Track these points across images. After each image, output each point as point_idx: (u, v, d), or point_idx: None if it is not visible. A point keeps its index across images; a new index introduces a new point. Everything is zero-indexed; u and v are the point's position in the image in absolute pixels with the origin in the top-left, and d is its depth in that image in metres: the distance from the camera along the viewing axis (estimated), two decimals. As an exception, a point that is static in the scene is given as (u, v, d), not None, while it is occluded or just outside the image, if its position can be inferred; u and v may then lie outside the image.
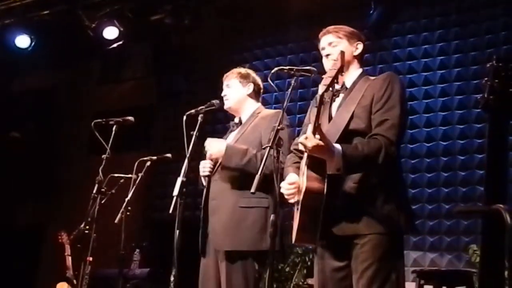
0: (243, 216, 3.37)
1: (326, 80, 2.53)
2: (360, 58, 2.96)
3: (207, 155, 3.53)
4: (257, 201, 3.34)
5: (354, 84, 2.86)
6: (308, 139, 2.50)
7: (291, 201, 2.81)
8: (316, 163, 2.64)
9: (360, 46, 2.94)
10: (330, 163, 2.57)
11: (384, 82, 2.75)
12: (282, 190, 2.78)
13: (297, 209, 2.75)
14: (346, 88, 2.86)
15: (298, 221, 2.68)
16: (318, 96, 2.54)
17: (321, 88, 2.53)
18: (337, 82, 2.59)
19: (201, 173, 3.60)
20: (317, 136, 2.49)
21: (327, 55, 2.91)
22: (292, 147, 3.09)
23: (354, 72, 2.91)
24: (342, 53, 2.57)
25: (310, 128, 2.54)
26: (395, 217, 2.65)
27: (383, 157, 2.58)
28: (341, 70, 2.54)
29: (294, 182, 2.78)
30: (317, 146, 2.49)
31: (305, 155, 2.73)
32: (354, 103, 2.75)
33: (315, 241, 2.70)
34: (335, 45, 2.90)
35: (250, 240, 3.33)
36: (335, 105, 2.84)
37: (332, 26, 2.97)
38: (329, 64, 2.87)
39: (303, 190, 2.63)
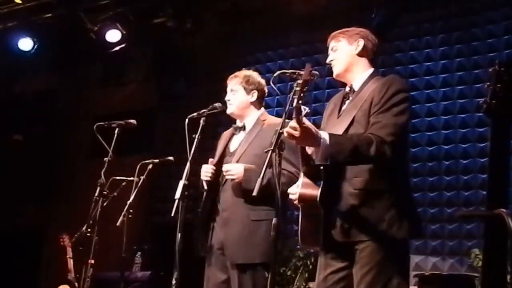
0: (255, 229, 3.37)
1: (296, 93, 2.45)
2: (366, 55, 2.85)
3: (229, 179, 3.46)
4: (266, 213, 3.32)
5: (363, 86, 2.78)
6: (294, 127, 2.44)
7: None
8: (311, 171, 2.66)
9: (361, 42, 2.83)
10: (316, 151, 2.51)
11: (384, 85, 2.69)
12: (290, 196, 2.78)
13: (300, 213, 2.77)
14: (354, 91, 2.80)
15: (300, 225, 2.72)
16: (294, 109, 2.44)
17: (294, 101, 2.45)
18: (303, 95, 2.44)
19: (203, 177, 3.60)
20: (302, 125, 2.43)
21: (331, 61, 2.88)
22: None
23: (362, 73, 2.83)
24: (308, 66, 2.47)
25: (293, 121, 2.46)
26: (396, 223, 2.61)
27: (375, 152, 2.51)
28: (304, 85, 2.43)
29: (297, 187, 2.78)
30: (304, 131, 2.43)
31: None
32: (356, 107, 2.71)
33: (319, 244, 2.72)
34: (336, 49, 2.87)
35: (262, 253, 3.30)
36: (344, 109, 2.81)
37: (336, 31, 2.92)
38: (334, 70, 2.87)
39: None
